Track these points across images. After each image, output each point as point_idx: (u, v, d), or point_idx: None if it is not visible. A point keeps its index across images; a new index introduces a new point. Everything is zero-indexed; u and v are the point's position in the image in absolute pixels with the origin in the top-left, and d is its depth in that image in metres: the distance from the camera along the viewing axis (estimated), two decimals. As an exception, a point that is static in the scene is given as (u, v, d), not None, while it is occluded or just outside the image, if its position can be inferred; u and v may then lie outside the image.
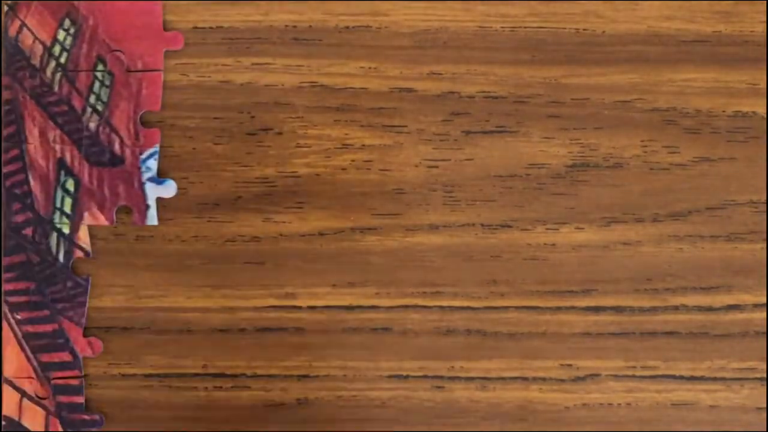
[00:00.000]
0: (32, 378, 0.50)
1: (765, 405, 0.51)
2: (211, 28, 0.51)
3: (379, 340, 0.51)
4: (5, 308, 0.49)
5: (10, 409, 0.50)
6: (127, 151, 0.50)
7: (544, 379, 0.51)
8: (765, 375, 0.51)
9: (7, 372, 0.49)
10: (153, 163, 0.50)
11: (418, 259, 0.51)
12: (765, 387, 0.51)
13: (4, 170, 0.49)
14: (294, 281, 0.51)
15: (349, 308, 0.51)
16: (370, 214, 0.51)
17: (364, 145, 0.51)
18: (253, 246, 0.51)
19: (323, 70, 0.51)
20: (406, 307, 0.51)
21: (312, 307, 0.51)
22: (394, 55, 0.51)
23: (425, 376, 0.51)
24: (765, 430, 0.51)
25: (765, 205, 0.51)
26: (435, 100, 0.51)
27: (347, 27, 0.51)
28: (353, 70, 0.51)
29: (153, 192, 0.50)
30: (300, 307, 0.51)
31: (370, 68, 0.51)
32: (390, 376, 0.51)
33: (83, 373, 0.50)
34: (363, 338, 0.51)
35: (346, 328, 0.51)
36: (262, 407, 0.51)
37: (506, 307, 0.51)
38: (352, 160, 0.51)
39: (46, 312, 0.49)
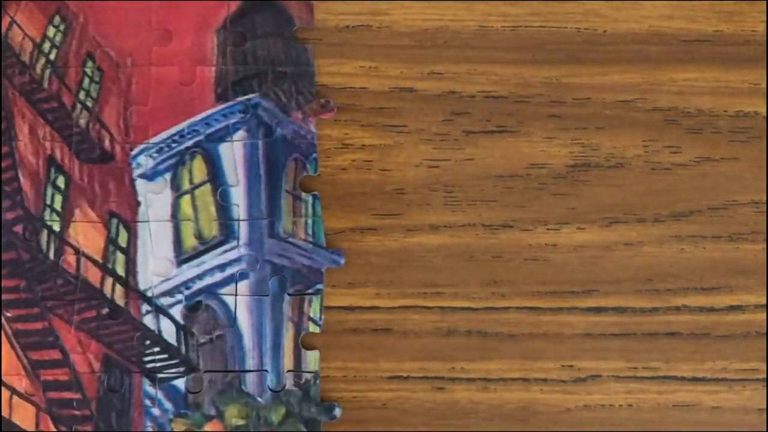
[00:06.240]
0: (22, 375, 0.49)
1: (765, 406, 0.51)
2: (210, 23, 0.50)
3: (380, 341, 0.50)
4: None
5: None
6: (118, 148, 0.49)
7: (545, 380, 0.51)
8: (765, 376, 0.51)
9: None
10: (144, 160, 0.49)
11: (418, 259, 0.50)
12: (766, 388, 0.51)
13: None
14: (292, 281, 0.50)
15: (350, 309, 0.50)
16: (370, 214, 0.50)
17: (364, 145, 0.51)
18: (253, 244, 0.50)
19: (323, 70, 0.50)
20: (407, 307, 0.50)
21: (311, 307, 0.50)
22: (395, 55, 0.51)
23: (426, 377, 0.50)
24: (765, 431, 0.51)
25: (766, 205, 0.51)
26: (435, 99, 0.51)
27: (347, 26, 0.50)
28: (353, 70, 0.51)
29: (144, 188, 0.49)
30: (298, 308, 0.50)
31: (370, 68, 0.51)
32: (390, 377, 0.50)
33: (73, 371, 0.49)
34: (363, 339, 0.50)
35: (346, 329, 0.50)
36: (263, 407, 0.50)
37: (507, 308, 0.50)
38: (352, 160, 0.50)
39: (36, 310, 0.49)
